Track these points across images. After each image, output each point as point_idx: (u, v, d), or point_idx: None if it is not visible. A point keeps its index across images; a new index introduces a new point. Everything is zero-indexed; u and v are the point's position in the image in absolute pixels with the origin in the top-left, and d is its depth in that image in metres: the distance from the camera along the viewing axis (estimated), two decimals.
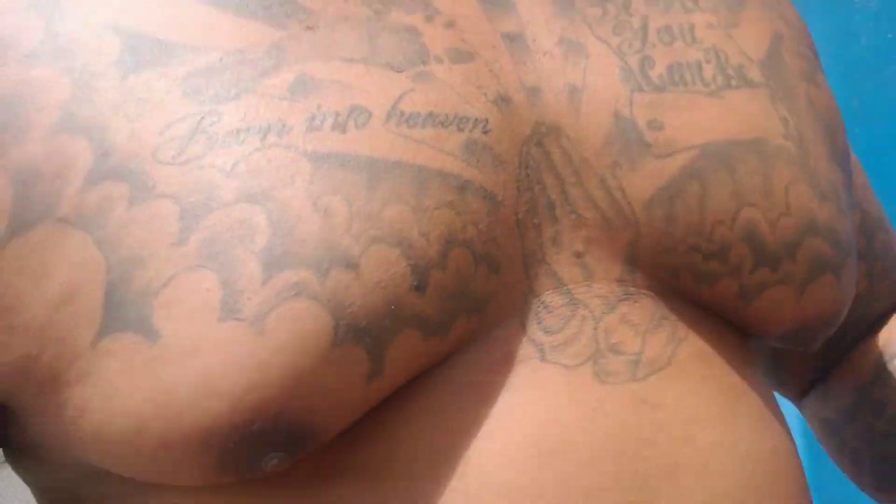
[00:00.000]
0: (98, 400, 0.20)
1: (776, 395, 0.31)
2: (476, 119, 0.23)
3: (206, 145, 0.21)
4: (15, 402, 0.23)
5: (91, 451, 0.21)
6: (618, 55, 0.26)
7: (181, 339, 0.19)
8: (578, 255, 0.24)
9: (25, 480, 0.28)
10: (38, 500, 0.28)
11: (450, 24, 0.25)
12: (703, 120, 0.26)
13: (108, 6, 0.23)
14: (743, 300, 0.26)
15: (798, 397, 0.42)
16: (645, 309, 0.25)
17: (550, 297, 0.24)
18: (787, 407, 0.35)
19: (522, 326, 0.23)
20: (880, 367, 0.37)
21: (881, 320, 0.39)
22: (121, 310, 0.20)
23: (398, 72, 0.23)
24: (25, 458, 0.26)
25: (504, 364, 0.23)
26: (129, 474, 0.22)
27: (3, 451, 0.27)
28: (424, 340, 0.21)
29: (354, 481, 0.22)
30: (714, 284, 0.25)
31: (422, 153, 0.22)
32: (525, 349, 0.23)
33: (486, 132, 0.23)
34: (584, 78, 0.26)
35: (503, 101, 0.24)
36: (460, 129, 0.23)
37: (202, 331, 0.19)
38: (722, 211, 0.25)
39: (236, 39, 0.23)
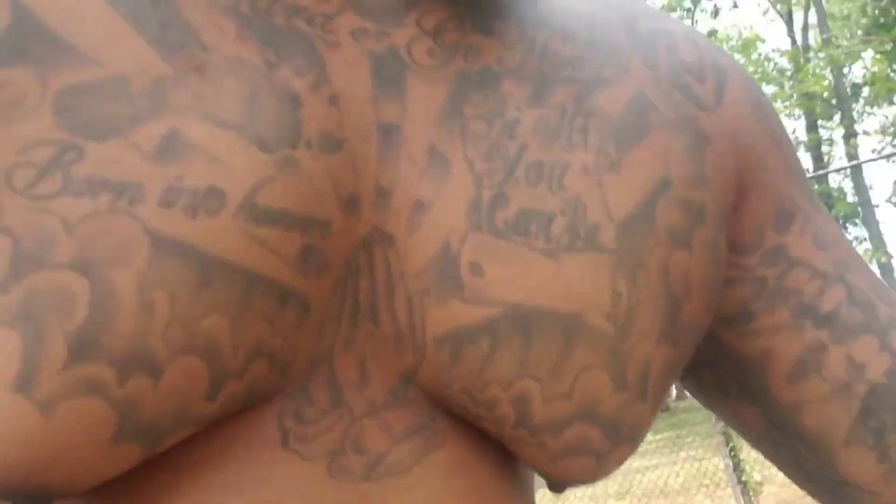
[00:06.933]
0: None
1: None
2: (321, 222, 0.24)
3: (60, 186, 0.21)
4: None
5: None
6: (475, 185, 0.26)
7: None
8: (362, 361, 0.25)
9: None
10: None
11: (333, 100, 0.25)
12: (524, 280, 0.26)
13: None
14: (502, 440, 0.27)
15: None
16: (406, 418, 0.26)
17: (317, 393, 0.25)
18: None
19: (278, 413, 0.24)
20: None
21: None
22: None
23: (267, 153, 0.23)
24: None
25: (248, 444, 0.24)
26: None
27: None
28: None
29: None
30: (477, 423, 0.27)
31: (258, 258, 0.22)
32: (271, 434, 0.24)
33: (324, 236, 0.24)
34: (434, 198, 0.26)
35: (351, 202, 0.25)
36: (303, 233, 0.23)
37: None
38: (500, 374, 0.25)
39: (126, 61, 0.23)
